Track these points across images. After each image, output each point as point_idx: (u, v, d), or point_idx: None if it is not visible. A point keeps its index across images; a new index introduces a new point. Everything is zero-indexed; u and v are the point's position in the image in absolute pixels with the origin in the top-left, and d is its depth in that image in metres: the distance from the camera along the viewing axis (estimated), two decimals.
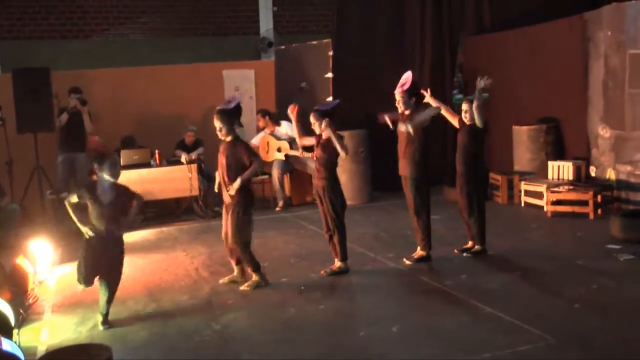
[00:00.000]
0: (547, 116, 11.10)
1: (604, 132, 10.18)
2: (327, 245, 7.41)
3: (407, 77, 7.48)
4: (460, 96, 12.10)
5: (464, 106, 7.72)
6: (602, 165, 10.27)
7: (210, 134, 11.68)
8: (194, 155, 10.91)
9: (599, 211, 9.44)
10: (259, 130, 11.73)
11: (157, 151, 10.78)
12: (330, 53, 11.58)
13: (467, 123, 7.66)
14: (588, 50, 10.37)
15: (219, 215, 10.80)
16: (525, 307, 5.91)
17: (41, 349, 5.55)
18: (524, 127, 11.08)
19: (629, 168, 9.75)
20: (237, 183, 6.68)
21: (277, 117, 11.70)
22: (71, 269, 7.92)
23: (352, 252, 7.77)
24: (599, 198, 9.54)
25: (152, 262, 8.31)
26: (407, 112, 7.45)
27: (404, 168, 7.46)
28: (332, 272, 7.15)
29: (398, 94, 7.47)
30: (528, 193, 10.32)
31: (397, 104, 7.51)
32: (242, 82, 12.80)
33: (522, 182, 10.48)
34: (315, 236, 9.01)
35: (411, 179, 7.39)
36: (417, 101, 7.49)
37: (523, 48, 11.64)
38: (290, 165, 11.30)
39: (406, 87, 7.41)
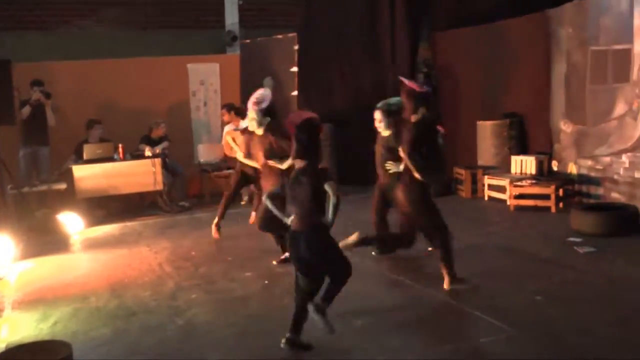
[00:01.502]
0: (511, 111, 11.21)
1: (566, 127, 10.32)
2: None
3: (266, 95, 7.29)
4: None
5: (377, 115, 7.29)
6: (564, 160, 10.42)
7: (174, 128, 11.69)
8: (158, 150, 10.82)
9: (561, 205, 9.57)
10: (223, 124, 11.67)
11: (120, 145, 10.67)
12: (296, 47, 11.56)
13: (383, 134, 7.29)
14: (551, 46, 10.50)
15: (184, 209, 10.78)
16: (488, 300, 5.97)
17: (1, 346, 5.46)
18: (488, 122, 11.18)
19: (590, 162, 9.90)
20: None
21: (243, 111, 11.65)
22: (32, 265, 7.86)
23: None
24: (560, 192, 9.68)
25: (115, 257, 8.23)
26: (259, 131, 7.31)
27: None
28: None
29: (251, 109, 7.24)
30: (491, 187, 10.43)
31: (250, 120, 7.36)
32: (207, 76, 12.73)
33: (486, 177, 10.59)
34: None
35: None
36: (272, 120, 7.24)
37: (488, 44, 11.75)
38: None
39: (263, 105, 7.18)
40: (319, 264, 5.09)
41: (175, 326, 5.76)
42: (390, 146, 7.11)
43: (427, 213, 6.30)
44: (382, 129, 7.27)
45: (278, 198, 5.41)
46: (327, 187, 4.95)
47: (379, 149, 7.37)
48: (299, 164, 5.10)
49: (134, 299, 6.54)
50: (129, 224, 10.11)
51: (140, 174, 10.52)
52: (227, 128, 11.44)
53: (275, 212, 5.32)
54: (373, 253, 7.49)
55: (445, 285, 6.22)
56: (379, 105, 7.34)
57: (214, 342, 5.36)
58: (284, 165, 7.09)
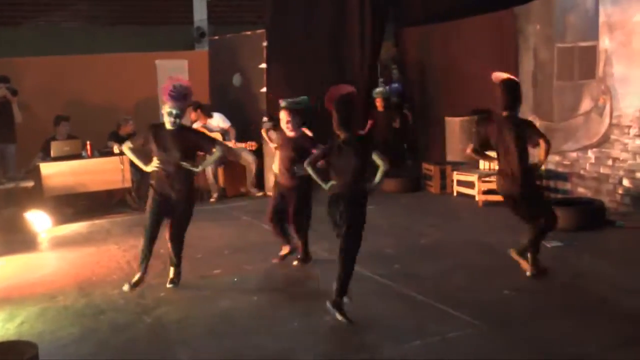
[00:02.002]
0: (479, 107, 11.28)
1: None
2: (260, 237, 7.39)
3: (187, 87, 6.53)
4: (380, 89, 12.07)
5: (284, 115, 6.87)
6: (532, 156, 10.47)
7: (143, 125, 11.58)
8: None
9: None
10: (191, 123, 11.59)
11: (88, 142, 10.55)
12: (264, 44, 11.53)
13: (290, 135, 6.88)
14: (518, 43, 10.59)
15: None
16: (456, 294, 6.02)
17: None
18: (457, 118, 11.26)
19: (557, 158, 10.01)
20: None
21: (210, 108, 11.61)
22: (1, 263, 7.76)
23: None
24: None
25: (83, 255, 8.14)
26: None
27: None
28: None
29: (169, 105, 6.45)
30: (460, 183, 10.50)
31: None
32: (175, 72, 12.57)
33: (455, 172, 10.66)
34: (250, 227, 8.99)
35: None
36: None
37: (456, 40, 11.82)
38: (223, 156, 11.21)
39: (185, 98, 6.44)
40: (354, 226, 5.56)
41: (144, 324, 5.73)
42: (301, 147, 6.72)
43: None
44: (290, 130, 6.86)
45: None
46: (375, 156, 5.52)
47: (284, 152, 6.91)
48: (343, 134, 5.56)
49: (102, 298, 6.48)
50: (97, 221, 10.01)
51: (109, 171, 10.42)
52: (195, 125, 11.38)
53: (316, 178, 5.85)
54: (295, 263, 7.21)
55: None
56: (285, 104, 6.93)
57: (183, 340, 5.34)
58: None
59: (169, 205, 6.52)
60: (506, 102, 6.43)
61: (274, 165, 7.16)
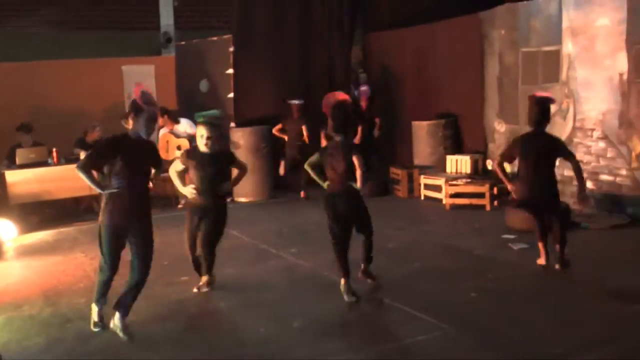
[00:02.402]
0: (446, 112, 11.40)
1: (500, 127, 10.54)
2: (228, 242, 7.35)
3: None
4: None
5: (204, 130, 6.38)
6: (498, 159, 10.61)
7: (110, 132, 11.48)
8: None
9: (495, 203, 9.76)
10: (158, 129, 11.53)
11: (54, 149, 10.43)
12: (231, 49, 11.52)
13: (207, 151, 6.44)
14: (484, 48, 10.71)
15: None
16: (424, 297, 6.06)
17: None
18: (424, 122, 11.34)
19: None
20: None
21: (177, 114, 11.55)
22: None
23: (254, 248, 7.81)
24: (495, 190, 9.86)
25: (49, 264, 8.05)
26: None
27: None
28: None
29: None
30: (427, 186, 10.57)
31: None
32: (142, 78, 12.54)
33: (422, 176, 10.73)
34: None
35: None
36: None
37: (422, 45, 11.92)
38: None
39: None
40: (354, 217, 6.25)
41: (111, 333, 5.65)
42: (221, 165, 6.58)
43: None
44: (209, 146, 6.40)
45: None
46: (354, 159, 6.00)
47: (203, 169, 6.43)
48: (337, 137, 6.15)
49: (68, 306, 6.41)
50: (63, 229, 9.90)
51: (75, 178, 9.99)
52: (162, 131, 11.32)
53: (317, 178, 6.41)
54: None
55: None
56: (203, 119, 6.60)
57: (151, 348, 5.31)
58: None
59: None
60: (536, 117, 6.66)
61: (186, 189, 6.63)
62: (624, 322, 5.37)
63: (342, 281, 6.05)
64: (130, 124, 5.55)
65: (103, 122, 11.56)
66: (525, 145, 6.67)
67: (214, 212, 6.47)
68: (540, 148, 6.60)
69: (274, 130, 11.31)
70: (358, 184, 6.07)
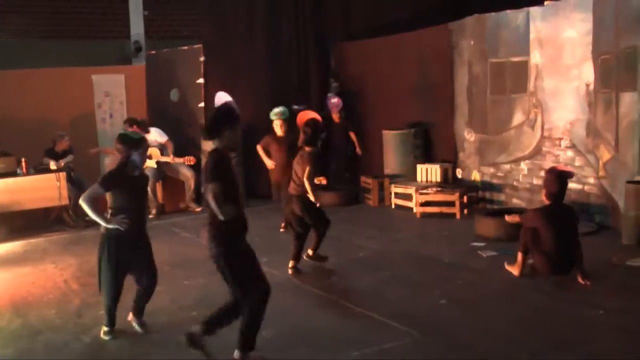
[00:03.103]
0: (416, 121, 11.49)
1: (469, 136, 10.66)
2: (200, 252, 7.29)
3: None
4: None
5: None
6: (468, 168, 10.75)
7: (80, 141, 11.43)
8: (62, 163, 10.54)
9: (465, 211, 9.86)
10: None
11: (23, 159, 10.35)
12: (202, 58, 11.52)
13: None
14: (453, 58, 10.83)
15: (90, 224, 10.52)
16: (394, 305, 6.11)
17: None
18: (394, 132, 11.42)
19: (492, 170, 10.26)
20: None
21: (147, 124, 11.52)
22: None
23: None
24: (465, 199, 9.97)
25: (18, 275, 7.97)
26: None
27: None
28: None
29: None
30: (398, 195, 10.65)
31: None
32: (112, 87, 12.52)
33: (392, 185, 10.80)
34: (189, 243, 8.96)
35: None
36: None
37: (392, 55, 12.01)
38: (162, 172, 11.14)
39: None
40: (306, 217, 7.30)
41: (82, 344, 5.65)
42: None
43: None
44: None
45: None
46: (306, 171, 7.12)
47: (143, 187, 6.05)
48: (307, 149, 7.26)
49: (38, 318, 6.37)
50: (33, 240, 9.81)
51: (45, 188, 10.22)
52: None
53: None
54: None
55: None
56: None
57: (123, 358, 5.28)
58: None
59: None
60: (558, 192, 6.69)
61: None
62: (589, 326, 5.46)
63: (291, 263, 7.32)
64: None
65: (73, 132, 11.50)
66: (551, 219, 6.63)
67: None
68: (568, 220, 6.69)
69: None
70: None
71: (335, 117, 11.83)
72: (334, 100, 11.88)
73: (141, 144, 5.73)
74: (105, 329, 5.74)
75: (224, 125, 4.96)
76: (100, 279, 5.68)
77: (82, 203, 5.57)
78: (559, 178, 6.71)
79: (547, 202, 6.76)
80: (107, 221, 5.58)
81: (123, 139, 5.76)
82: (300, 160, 7.30)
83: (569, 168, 7.32)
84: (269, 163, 9.56)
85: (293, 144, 8.21)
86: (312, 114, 7.61)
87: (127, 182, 5.63)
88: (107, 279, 5.62)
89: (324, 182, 7.68)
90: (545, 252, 6.55)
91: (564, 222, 6.63)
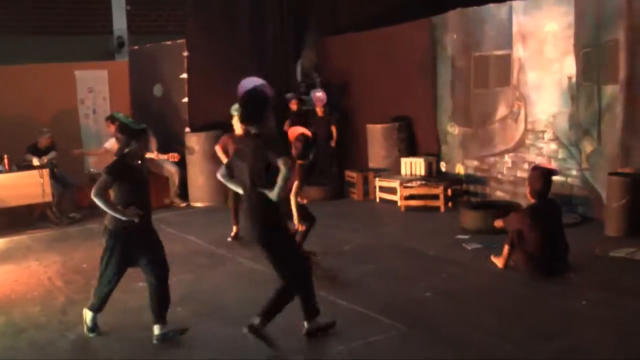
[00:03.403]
0: (400, 115, 11.51)
1: (453, 130, 10.69)
2: (184, 248, 7.35)
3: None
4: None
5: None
6: (452, 161, 10.78)
7: (63, 137, 11.35)
8: (45, 159, 10.46)
9: (450, 204, 9.90)
10: (111, 135, 11.42)
11: (5, 156, 10.27)
12: (185, 53, 11.49)
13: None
14: (436, 52, 10.85)
15: (74, 221, 10.49)
16: (379, 299, 6.13)
17: None
18: (378, 126, 11.44)
19: (476, 163, 10.30)
20: None
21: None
22: None
23: (210, 252, 7.81)
24: (449, 192, 10.01)
25: (1, 273, 7.91)
26: None
27: None
28: None
29: None
30: (382, 189, 10.67)
31: None
32: (95, 83, 12.45)
33: (377, 179, 10.82)
34: (173, 239, 8.92)
35: None
36: None
37: (376, 49, 12.01)
38: (146, 168, 11.06)
39: None
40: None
41: (67, 341, 5.63)
42: None
43: None
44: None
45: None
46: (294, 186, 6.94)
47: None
48: (299, 162, 7.00)
49: (22, 316, 6.33)
50: (16, 238, 9.75)
51: (28, 185, 10.14)
52: (114, 138, 11.21)
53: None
54: None
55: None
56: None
57: (108, 356, 5.28)
58: None
59: None
60: (542, 190, 6.67)
61: None
62: (572, 317, 5.51)
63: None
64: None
65: (56, 128, 11.43)
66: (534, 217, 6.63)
67: None
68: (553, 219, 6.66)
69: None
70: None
71: (319, 111, 11.85)
72: (319, 94, 11.89)
73: (142, 135, 5.53)
74: (89, 314, 5.60)
75: (266, 107, 5.07)
76: (103, 271, 5.51)
77: (95, 198, 5.30)
78: (543, 176, 6.70)
79: (531, 199, 6.76)
80: (123, 213, 5.30)
81: (123, 128, 5.53)
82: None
83: (553, 165, 7.29)
84: None
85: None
86: (301, 130, 7.24)
87: (130, 172, 5.45)
88: (110, 273, 5.46)
89: (305, 201, 7.47)
90: (528, 252, 6.55)
91: (548, 220, 6.63)
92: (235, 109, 8.31)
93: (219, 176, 5.50)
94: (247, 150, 5.13)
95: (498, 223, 7.05)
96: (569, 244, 6.69)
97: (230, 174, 5.39)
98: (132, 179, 5.45)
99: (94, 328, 5.65)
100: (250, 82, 5.60)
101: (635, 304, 5.75)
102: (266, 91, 5.27)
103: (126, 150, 5.47)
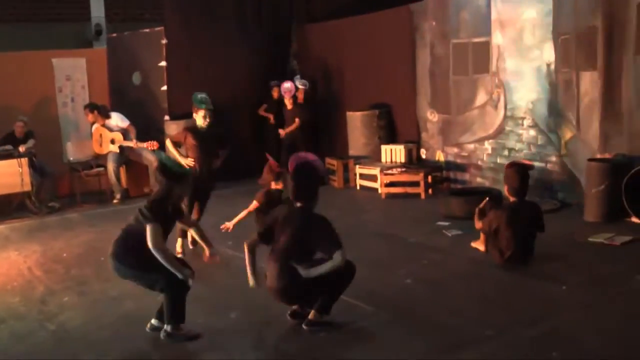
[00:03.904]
0: (380, 102, 11.52)
1: (432, 117, 10.72)
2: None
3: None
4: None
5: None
6: (432, 148, 10.82)
7: (41, 126, 11.24)
8: (22, 148, 10.33)
9: (430, 191, 9.95)
10: (90, 125, 11.34)
11: None
12: (164, 41, 11.40)
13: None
14: (415, 39, 10.86)
15: (53, 210, 10.41)
16: (360, 286, 6.07)
17: None
18: (358, 113, 11.44)
19: (455, 150, 10.34)
20: None
21: (108, 108, 11.40)
22: None
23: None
24: (429, 179, 10.05)
25: None
26: None
27: None
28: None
29: None
30: (363, 176, 10.69)
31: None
32: (73, 71, 12.32)
33: (357, 166, 10.83)
34: None
35: None
36: None
37: (355, 37, 12.00)
38: (125, 156, 11.03)
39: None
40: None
41: (47, 332, 5.60)
42: None
43: None
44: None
45: None
46: None
47: None
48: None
49: (1, 306, 6.29)
50: None
51: (6, 174, 10.03)
52: (95, 126, 11.15)
53: None
54: None
55: None
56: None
57: (88, 345, 5.25)
58: None
59: None
60: (519, 187, 6.56)
61: None
62: (553, 302, 5.56)
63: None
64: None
65: (34, 116, 11.32)
66: (508, 215, 6.50)
67: None
68: (527, 219, 6.52)
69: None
70: None
71: (288, 102, 11.79)
72: (287, 85, 11.81)
73: (184, 179, 5.36)
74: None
75: (318, 185, 5.30)
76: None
77: (156, 252, 5.04)
78: (518, 172, 6.57)
79: (510, 198, 6.64)
80: (181, 271, 5.14)
81: (164, 170, 5.29)
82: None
83: (528, 162, 7.21)
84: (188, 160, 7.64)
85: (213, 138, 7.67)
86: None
87: (166, 217, 5.26)
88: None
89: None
90: (500, 250, 6.51)
91: (523, 222, 6.48)
92: (204, 101, 7.60)
93: (246, 246, 5.41)
94: (291, 223, 5.17)
95: (478, 225, 6.79)
96: (534, 249, 6.61)
97: (268, 242, 5.34)
98: (166, 223, 5.27)
99: None
100: (303, 157, 5.52)
101: (614, 288, 5.82)
102: (319, 167, 5.36)
103: (167, 196, 5.29)
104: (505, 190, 6.79)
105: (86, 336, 5.44)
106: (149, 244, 5.01)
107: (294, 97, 11.80)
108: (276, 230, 5.24)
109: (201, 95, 7.58)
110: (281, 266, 5.10)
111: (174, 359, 4.93)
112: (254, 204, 7.08)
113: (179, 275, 5.10)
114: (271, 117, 12.18)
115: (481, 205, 6.87)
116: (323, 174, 5.31)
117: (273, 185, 7.05)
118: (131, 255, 5.15)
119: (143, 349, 5.13)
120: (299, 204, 5.24)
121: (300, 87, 11.94)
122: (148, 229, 5.06)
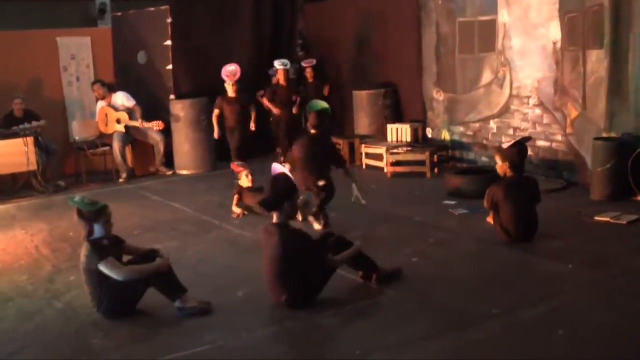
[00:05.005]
0: (386, 81, 11.49)
1: (438, 96, 10.69)
2: (170, 215, 7.31)
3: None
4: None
5: None
6: (437, 127, 10.81)
7: (46, 105, 11.24)
8: (34, 123, 10.30)
9: (436, 170, 9.94)
10: (97, 100, 11.34)
11: None
12: (169, 20, 11.35)
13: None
14: (421, 17, 10.80)
15: (59, 189, 10.43)
16: None
17: None
18: (364, 92, 11.42)
19: (461, 129, 10.33)
20: None
21: (114, 87, 11.40)
22: None
23: (197, 220, 7.80)
24: (435, 158, 10.04)
25: None
26: None
27: None
28: None
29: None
30: (369, 155, 10.68)
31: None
32: (78, 50, 12.28)
33: (363, 145, 10.82)
34: (159, 207, 8.93)
35: None
36: None
37: (361, 15, 11.95)
38: (130, 136, 11.04)
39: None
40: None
41: (54, 310, 5.63)
42: None
43: None
44: None
45: None
46: None
47: None
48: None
49: (9, 284, 6.32)
50: (1, 207, 9.69)
51: (12, 154, 10.03)
52: (100, 104, 11.14)
53: None
54: None
55: None
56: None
57: (95, 324, 5.26)
58: None
59: None
60: (518, 162, 6.56)
61: None
62: (559, 281, 5.57)
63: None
64: None
65: (39, 95, 11.31)
66: (509, 189, 6.50)
67: None
68: (527, 193, 6.53)
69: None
70: None
71: (231, 90, 10.61)
72: (230, 68, 10.60)
73: (100, 213, 5.47)
74: None
75: (285, 197, 5.30)
76: None
77: (128, 278, 5.20)
78: (515, 146, 6.56)
79: (508, 172, 6.58)
80: (156, 266, 5.37)
81: (79, 214, 5.44)
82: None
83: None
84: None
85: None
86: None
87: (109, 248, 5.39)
88: None
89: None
90: (503, 227, 6.52)
91: (522, 196, 6.49)
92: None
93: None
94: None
95: (489, 219, 6.82)
96: (538, 221, 6.61)
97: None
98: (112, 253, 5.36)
99: None
100: (275, 169, 5.55)
101: (620, 266, 5.82)
102: (291, 181, 5.43)
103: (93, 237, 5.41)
104: (497, 168, 6.71)
105: (93, 314, 5.45)
106: (117, 278, 5.14)
107: (300, 76, 11.70)
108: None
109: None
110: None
111: (182, 335, 4.95)
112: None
113: (159, 269, 5.32)
114: (274, 109, 11.18)
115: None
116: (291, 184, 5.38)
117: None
118: (106, 299, 5.29)
119: (149, 325, 5.16)
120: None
121: (279, 67, 11.14)
122: (104, 269, 5.18)
